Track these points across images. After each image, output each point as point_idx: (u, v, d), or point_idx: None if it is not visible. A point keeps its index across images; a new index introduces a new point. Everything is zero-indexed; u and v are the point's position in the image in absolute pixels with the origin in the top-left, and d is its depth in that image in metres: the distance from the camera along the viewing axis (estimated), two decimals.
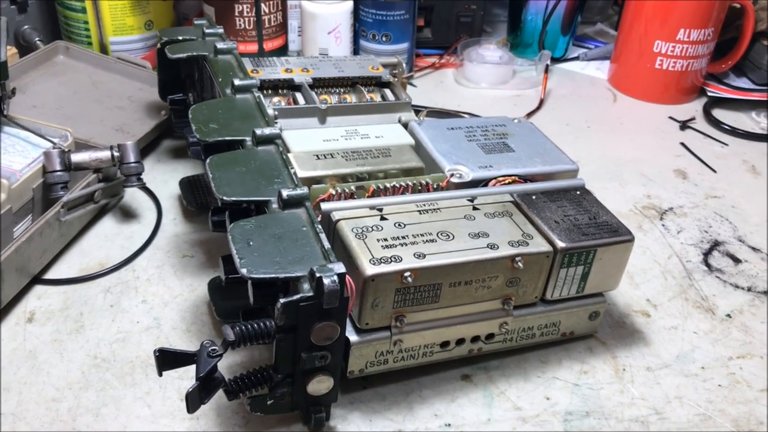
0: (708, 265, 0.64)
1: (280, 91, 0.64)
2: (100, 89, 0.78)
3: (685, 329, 0.57)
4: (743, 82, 0.95)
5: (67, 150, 0.61)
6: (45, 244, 0.58)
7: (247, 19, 0.84)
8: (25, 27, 0.84)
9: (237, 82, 0.58)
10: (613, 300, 0.59)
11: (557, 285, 0.50)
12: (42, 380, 0.49)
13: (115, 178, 0.64)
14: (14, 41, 0.84)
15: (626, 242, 0.50)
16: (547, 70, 0.94)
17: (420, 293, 0.45)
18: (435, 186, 0.53)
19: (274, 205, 0.46)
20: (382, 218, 0.48)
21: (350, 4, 0.87)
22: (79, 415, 0.47)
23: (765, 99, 0.92)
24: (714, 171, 0.79)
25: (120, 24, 0.84)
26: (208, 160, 0.49)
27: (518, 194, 0.52)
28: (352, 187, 0.51)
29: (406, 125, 0.61)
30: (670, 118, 0.90)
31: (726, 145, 0.85)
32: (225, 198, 0.46)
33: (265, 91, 0.63)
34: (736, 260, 0.65)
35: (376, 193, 0.51)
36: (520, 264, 0.46)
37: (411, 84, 0.94)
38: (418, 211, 0.49)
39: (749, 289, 0.62)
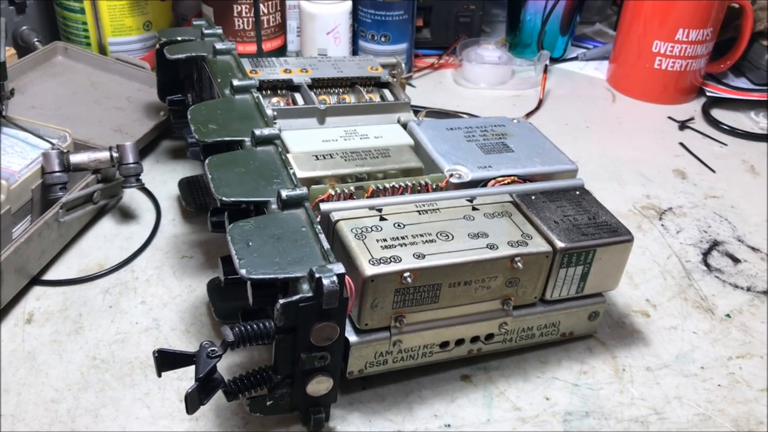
0: (707, 265, 0.64)
1: (279, 91, 0.64)
2: (99, 90, 0.78)
3: (684, 329, 0.57)
4: (742, 82, 0.95)
5: (65, 151, 0.61)
6: (44, 245, 0.58)
7: (245, 19, 0.84)
8: (24, 28, 0.84)
9: (236, 82, 0.58)
10: (613, 300, 0.59)
11: (557, 285, 0.50)
12: (41, 381, 0.49)
13: (114, 178, 0.64)
14: (13, 42, 0.84)
15: (625, 242, 0.50)
16: (546, 70, 0.94)
17: (419, 293, 0.45)
18: (434, 186, 0.53)
19: (274, 206, 0.46)
20: (382, 219, 0.48)
21: (349, 5, 0.87)
22: (78, 416, 0.47)
23: (764, 99, 0.92)
24: (713, 171, 0.79)
25: (119, 25, 0.84)
26: (207, 161, 0.49)
27: (517, 194, 0.52)
28: (352, 188, 0.51)
29: (405, 125, 0.61)
30: (669, 118, 0.90)
31: (725, 145, 0.85)
32: (224, 198, 0.46)
33: (264, 92, 0.63)
34: (736, 260, 0.65)
35: (375, 194, 0.51)
36: (519, 264, 0.46)
37: (410, 84, 0.94)
38: (418, 211, 0.49)
39: (749, 289, 0.62)
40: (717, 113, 0.91)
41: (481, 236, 0.47)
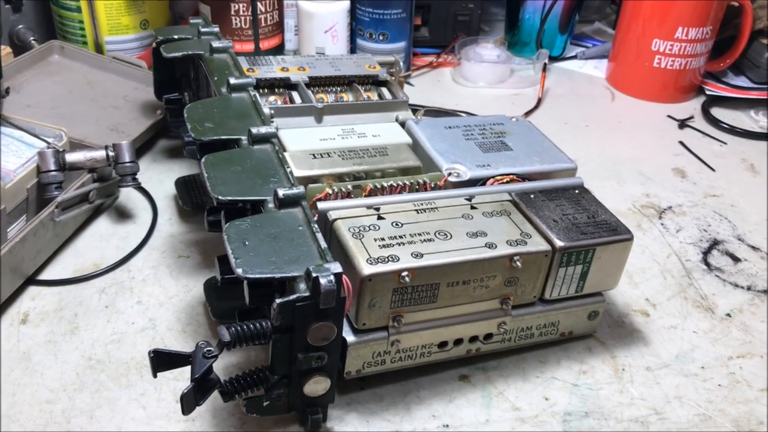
0: (707, 264, 0.64)
1: (276, 90, 0.64)
2: (96, 89, 0.77)
3: (684, 329, 0.57)
4: (742, 81, 0.95)
5: (61, 150, 0.60)
6: (39, 245, 0.57)
7: (243, 18, 0.84)
8: (20, 26, 0.84)
9: (233, 80, 0.57)
10: (612, 299, 0.59)
11: (556, 284, 0.49)
12: (36, 382, 0.49)
13: (110, 178, 0.64)
14: (9, 41, 0.83)
15: (625, 241, 0.50)
16: (545, 68, 0.94)
17: (417, 293, 0.45)
18: (432, 185, 0.52)
19: (270, 205, 0.45)
20: (379, 217, 0.47)
21: (347, 3, 0.87)
22: (73, 417, 0.47)
23: (763, 97, 0.92)
24: (713, 170, 0.79)
25: (115, 23, 0.83)
26: (203, 160, 0.48)
27: (516, 193, 0.52)
28: (349, 187, 0.51)
29: (403, 124, 0.61)
30: (669, 116, 0.89)
31: (725, 143, 0.84)
32: (220, 197, 0.45)
33: (261, 90, 0.63)
34: (736, 259, 0.65)
35: (373, 193, 0.51)
36: (518, 263, 0.46)
37: (408, 83, 0.93)
38: (416, 210, 0.49)
39: (749, 288, 0.61)
40: (716, 112, 0.91)
41: (479, 235, 0.47)
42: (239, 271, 0.40)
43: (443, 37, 1.00)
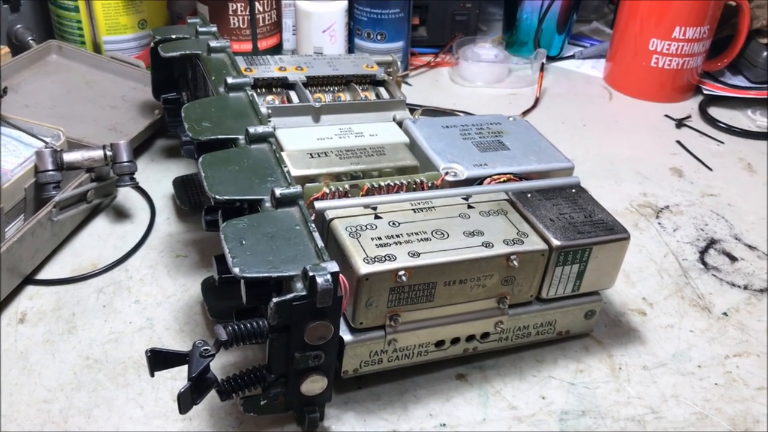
0: (704, 264, 0.64)
1: (273, 89, 0.64)
2: (94, 88, 0.77)
3: (681, 328, 0.57)
4: (739, 80, 0.95)
5: (59, 149, 0.60)
6: (37, 244, 0.57)
7: (241, 17, 0.84)
8: (18, 26, 0.84)
9: (230, 80, 0.57)
10: (609, 298, 0.59)
11: (553, 283, 0.49)
12: (33, 381, 0.49)
13: (108, 177, 0.64)
14: (7, 40, 0.83)
15: (622, 240, 0.50)
16: (542, 68, 0.94)
17: (414, 292, 0.45)
18: (429, 184, 0.53)
19: (267, 204, 0.45)
20: (377, 217, 0.48)
21: (345, 3, 0.87)
22: (70, 417, 0.47)
23: (761, 97, 0.92)
24: (710, 169, 0.79)
25: (113, 23, 0.83)
26: (200, 159, 0.48)
27: (513, 192, 0.52)
28: (346, 186, 0.51)
29: (400, 123, 0.61)
30: (666, 116, 0.89)
31: (722, 143, 0.84)
32: (218, 197, 0.45)
33: (258, 90, 0.63)
34: (733, 258, 0.65)
35: (370, 192, 0.51)
36: (515, 262, 0.46)
37: (406, 83, 0.93)
38: (413, 209, 0.49)
39: (746, 288, 0.61)
40: (714, 111, 0.91)
41: (476, 234, 0.47)
42: (236, 270, 0.40)
43: (441, 36, 1.00)
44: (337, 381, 0.48)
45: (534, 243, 0.47)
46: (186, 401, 0.39)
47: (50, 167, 0.59)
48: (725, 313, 0.58)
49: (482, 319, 0.49)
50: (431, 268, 0.44)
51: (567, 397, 0.50)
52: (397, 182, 0.52)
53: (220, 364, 0.51)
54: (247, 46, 0.86)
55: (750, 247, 0.66)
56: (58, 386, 0.49)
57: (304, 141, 0.56)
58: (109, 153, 0.61)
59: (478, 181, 0.53)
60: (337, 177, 0.53)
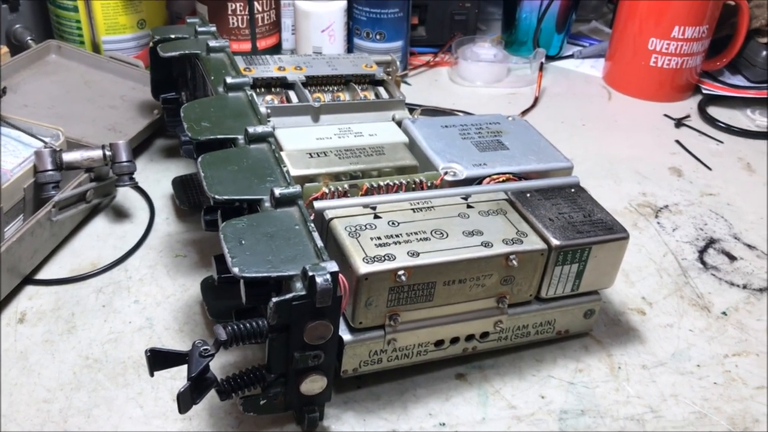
0: (703, 263, 0.64)
1: (273, 89, 0.64)
2: (93, 88, 0.77)
3: (680, 327, 0.57)
4: (738, 80, 0.95)
5: (58, 149, 0.60)
6: (36, 244, 0.57)
7: (240, 17, 0.84)
8: (17, 26, 0.84)
9: (229, 80, 0.57)
10: (609, 298, 0.59)
11: (552, 283, 0.49)
12: (33, 381, 0.49)
13: (107, 177, 0.64)
14: (6, 40, 0.83)
15: (621, 240, 0.50)
16: (541, 68, 0.94)
17: (414, 292, 0.45)
18: (429, 184, 0.53)
19: (267, 204, 0.45)
20: (376, 216, 0.48)
21: (344, 3, 0.87)
22: (70, 416, 0.47)
23: (760, 96, 0.92)
24: (709, 168, 0.79)
25: (112, 23, 0.83)
26: (200, 159, 0.48)
27: (512, 192, 0.52)
28: (346, 186, 0.51)
29: (399, 123, 0.61)
30: (665, 115, 0.89)
31: (721, 142, 0.84)
32: (217, 196, 0.45)
33: (257, 90, 0.63)
34: (732, 258, 0.65)
35: (369, 192, 0.51)
36: (514, 262, 0.46)
37: (405, 82, 0.93)
38: (412, 209, 0.49)
39: (745, 287, 0.61)
40: (713, 111, 0.91)
41: (475, 234, 0.47)
42: (235, 270, 0.40)
43: (440, 36, 1.00)
44: (337, 381, 0.47)
45: (533, 242, 0.47)
46: (185, 401, 0.39)
47: (49, 167, 0.59)
48: (724, 313, 0.59)
49: (481, 318, 0.49)
50: (430, 268, 0.44)
51: (566, 396, 0.50)
52: (397, 182, 0.52)
53: (219, 364, 0.51)
54: (246, 46, 0.86)
55: (749, 246, 0.67)
56: (58, 386, 0.49)
57: (303, 141, 0.56)
58: (108, 153, 0.61)
59: (477, 180, 0.54)
60: (337, 177, 0.53)
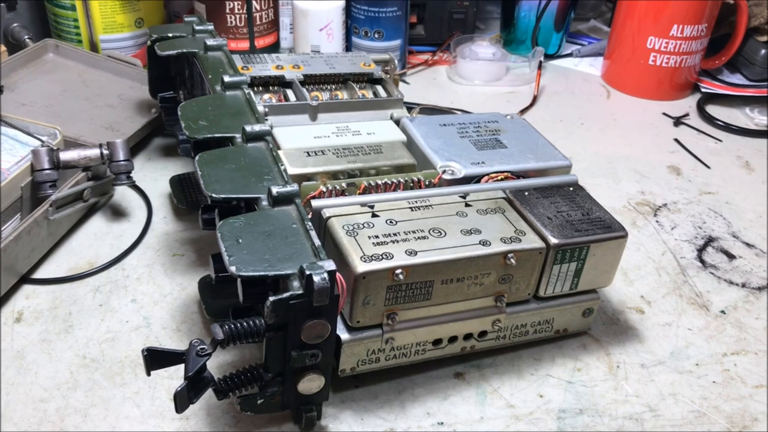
0: (702, 262, 0.64)
1: (270, 87, 0.64)
2: (90, 87, 0.77)
3: (679, 326, 0.57)
4: (737, 78, 0.95)
5: (55, 148, 0.60)
6: (33, 243, 0.57)
7: (238, 16, 0.84)
8: (14, 25, 0.84)
9: (227, 78, 0.57)
10: (607, 297, 0.59)
11: (550, 282, 0.49)
12: (30, 381, 0.49)
13: (105, 176, 0.64)
14: (3, 39, 0.83)
15: (619, 238, 0.50)
16: (540, 66, 0.94)
17: (412, 290, 0.45)
18: (427, 183, 0.52)
19: (264, 203, 0.45)
20: (374, 215, 0.47)
21: (342, 2, 0.86)
22: (67, 416, 0.47)
23: (759, 95, 0.92)
24: (708, 167, 0.79)
25: (110, 22, 0.83)
26: (197, 158, 0.48)
27: (511, 191, 0.52)
28: (343, 184, 0.51)
29: (398, 122, 0.61)
30: (664, 114, 0.89)
31: (720, 141, 0.84)
32: (214, 195, 0.45)
33: (255, 88, 0.63)
34: (731, 256, 0.65)
35: (367, 190, 0.51)
36: (512, 261, 0.46)
37: (404, 81, 0.93)
38: (410, 207, 0.49)
39: (743, 285, 0.61)
40: (712, 109, 0.91)
41: (473, 233, 0.47)
42: (233, 269, 0.39)
43: (439, 35, 1.00)
44: (335, 380, 0.47)
45: (531, 241, 0.47)
46: (182, 400, 0.39)
47: (47, 166, 0.59)
48: (723, 311, 0.58)
49: (480, 317, 0.48)
50: (428, 267, 0.44)
51: (565, 395, 0.50)
52: (395, 180, 0.52)
53: (217, 363, 0.50)
54: (245, 45, 0.86)
55: (748, 244, 0.66)
56: (55, 385, 0.49)
57: (301, 139, 0.56)
58: (105, 152, 0.61)
59: (475, 179, 0.53)
60: (334, 175, 0.53)
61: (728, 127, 0.86)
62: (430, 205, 0.49)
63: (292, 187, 0.45)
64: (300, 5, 0.85)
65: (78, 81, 0.78)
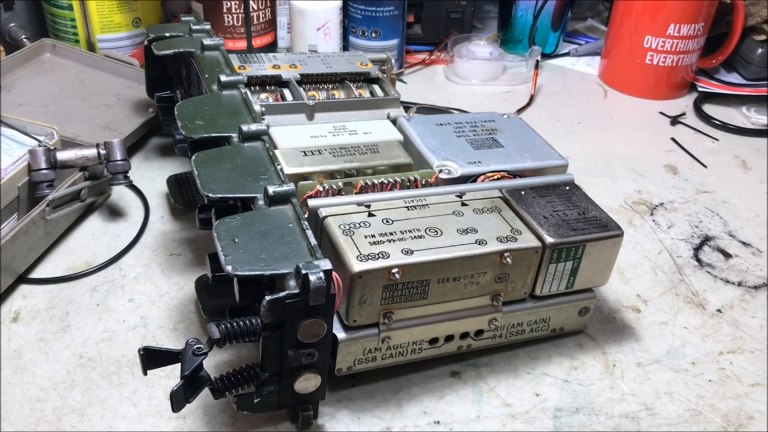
0: (698, 260, 0.64)
1: (267, 87, 0.64)
2: (88, 87, 0.77)
3: (675, 324, 0.57)
4: (734, 78, 0.95)
5: (53, 148, 0.60)
6: (30, 243, 0.57)
7: (235, 15, 0.84)
8: (12, 24, 0.84)
9: (223, 78, 0.57)
10: (604, 296, 0.59)
11: (546, 281, 0.49)
12: (27, 380, 0.49)
13: (102, 176, 0.64)
14: (0, 39, 0.83)
15: (615, 237, 0.50)
16: (537, 66, 0.94)
17: (408, 290, 0.45)
18: (423, 182, 0.53)
19: (261, 202, 0.45)
20: (370, 214, 0.47)
21: (339, 1, 0.86)
22: (64, 416, 0.47)
23: (755, 94, 0.92)
24: (704, 166, 0.79)
25: (107, 21, 0.83)
26: (193, 157, 0.48)
27: (507, 190, 0.52)
28: (340, 184, 0.51)
29: (394, 121, 0.61)
30: (661, 113, 0.89)
31: (716, 140, 0.85)
32: (210, 195, 0.45)
33: (252, 88, 0.63)
34: (727, 255, 0.65)
35: (363, 190, 0.51)
36: (508, 260, 0.46)
37: (401, 80, 0.93)
38: (406, 207, 0.49)
39: (740, 284, 0.61)
40: (709, 108, 0.91)
41: (470, 232, 0.47)
42: (229, 268, 0.40)
43: (436, 34, 1.00)
44: (331, 379, 0.47)
45: (527, 240, 0.47)
46: (179, 399, 0.39)
47: (44, 166, 0.59)
48: (719, 310, 0.59)
49: (476, 316, 0.49)
50: (425, 266, 0.44)
51: (561, 394, 0.50)
52: (391, 180, 0.52)
53: (213, 363, 0.51)
54: (242, 44, 0.86)
55: (744, 243, 0.67)
56: (52, 385, 0.49)
57: (297, 139, 0.56)
58: (102, 151, 0.61)
59: (472, 178, 0.53)
60: (331, 175, 0.53)
61: (725, 126, 0.87)
62: (427, 205, 0.49)
63: (289, 187, 0.45)
64: (297, 5, 0.86)
65: (75, 81, 0.78)
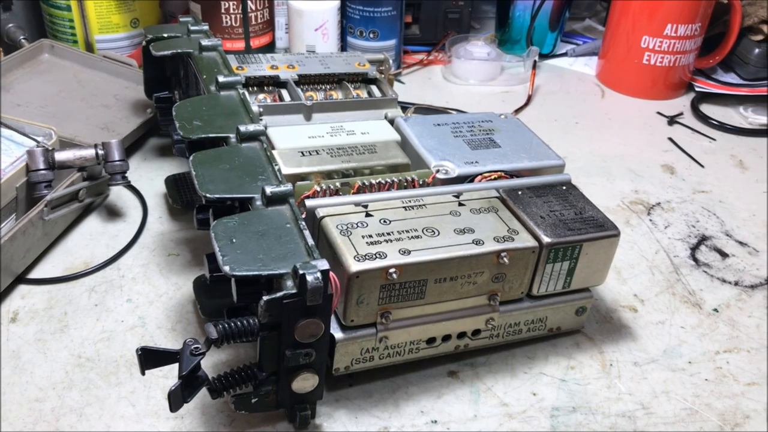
0: (695, 260, 0.64)
1: (265, 87, 0.64)
2: (86, 87, 0.77)
3: (672, 324, 0.57)
4: (731, 78, 0.96)
5: (51, 148, 0.60)
6: (29, 243, 0.57)
7: (233, 16, 0.84)
8: (10, 25, 0.84)
9: (221, 78, 0.57)
10: (601, 295, 0.59)
11: (543, 280, 0.49)
12: (25, 380, 0.49)
13: (100, 176, 0.64)
14: None
15: (612, 237, 0.50)
16: (535, 66, 0.94)
17: (405, 289, 0.45)
18: (421, 182, 0.53)
19: (258, 202, 0.45)
20: (367, 215, 0.48)
21: (337, 2, 0.87)
22: (62, 416, 0.47)
23: (752, 94, 0.92)
24: (702, 166, 0.79)
25: (105, 22, 0.83)
26: (191, 158, 0.49)
27: (504, 190, 0.52)
28: (337, 184, 0.51)
29: (392, 121, 0.61)
30: (658, 113, 0.90)
31: (714, 140, 0.85)
32: (208, 195, 0.45)
33: (250, 88, 0.63)
34: (724, 255, 0.65)
35: (361, 190, 0.51)
36: (505, 260, 0.46)
37: (399, 81, 0.93)
38: (404, 207, 0.49)
39: (736, 284, 0.62)
40: (706, 108, 0.91)
41: (467, 232, 0.47)
42: (226, 268, 0.40)
43: (434, 34, 1.00)
44: (329, 378, 0.48)
45: (524, 240, 0.47)
46: (177, 399, 0.39)
47: (42, 166, 0.59)
48: (716, 310, 0.59)
49: (473, 316, 0.49)
50: (422, 266, 0.45)
51: (558, 393, 0.50)
52: (389, 180, 0.52)
53: (211, 363, 0.51)
54: (240, 45, 0.86)
55: (741, 243, 0.67)
56: (50, 385, 0.49)
57: (295, 139, 0.56)
58: (100, 152, 0.61)
59: (469, 178, 0.54)
60: (328, 175, 0.53)
61: (722, 126, 0.87)
62: (424, 205, 0.49)
63: (286, 187, 0.45)
64: (295, 5, 0.86)
65: (73, 81, 0.78)
